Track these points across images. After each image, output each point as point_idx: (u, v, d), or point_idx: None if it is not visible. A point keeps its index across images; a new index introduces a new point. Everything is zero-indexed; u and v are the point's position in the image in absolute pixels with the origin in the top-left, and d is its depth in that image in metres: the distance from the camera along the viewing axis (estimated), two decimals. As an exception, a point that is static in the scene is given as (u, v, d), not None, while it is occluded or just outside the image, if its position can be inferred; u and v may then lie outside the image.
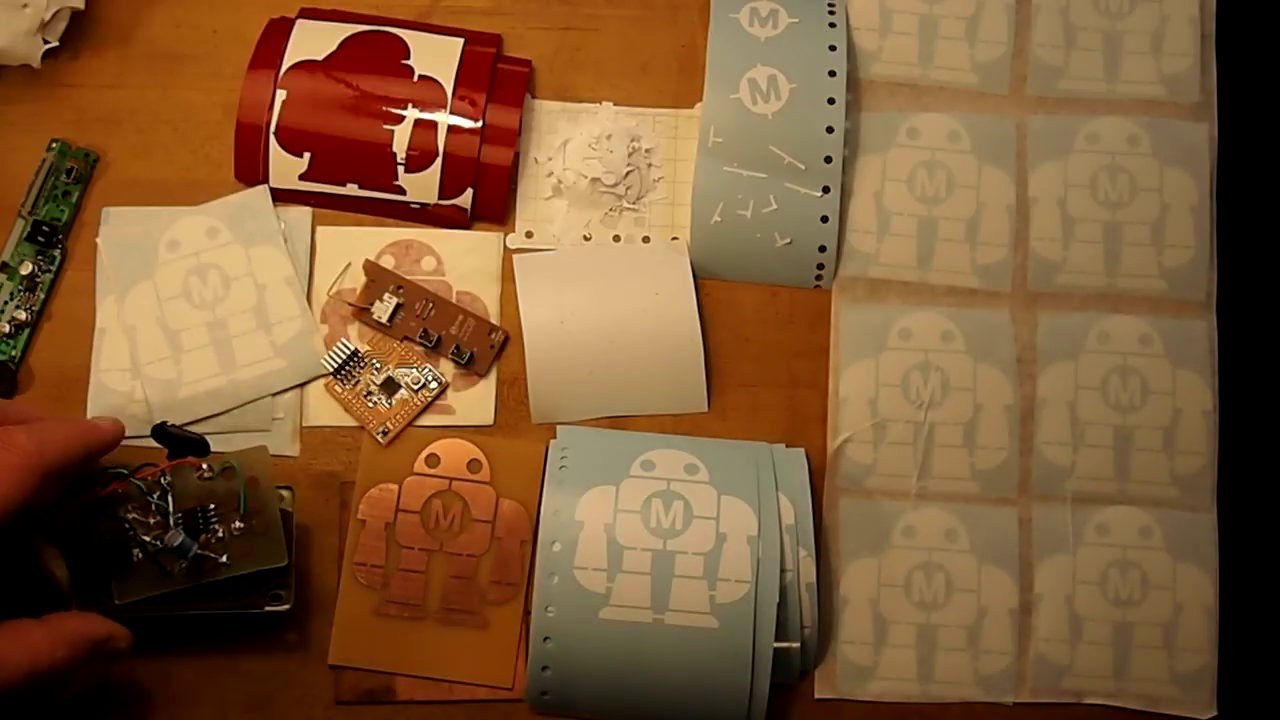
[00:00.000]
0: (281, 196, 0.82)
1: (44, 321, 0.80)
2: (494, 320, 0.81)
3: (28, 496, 0.63)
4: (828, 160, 0.81)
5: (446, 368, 0.81)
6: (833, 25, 0.83)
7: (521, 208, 0.83)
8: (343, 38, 0.82)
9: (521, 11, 0.86)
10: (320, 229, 0.82)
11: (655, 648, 0.73)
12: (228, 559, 0.71)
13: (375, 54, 0.82)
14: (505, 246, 0.83)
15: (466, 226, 0.83)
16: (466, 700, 0.77)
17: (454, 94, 0.81)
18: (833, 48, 0.83)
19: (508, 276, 0.82)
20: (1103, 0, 0.86)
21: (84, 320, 0.80)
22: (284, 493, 0.74)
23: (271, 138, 0.81)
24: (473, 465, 0.79)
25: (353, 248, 0.82)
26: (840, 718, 0.78)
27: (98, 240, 0.81)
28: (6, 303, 0.80)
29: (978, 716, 0.79)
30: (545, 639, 0.74)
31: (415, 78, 0.81)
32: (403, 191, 0.81)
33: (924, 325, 0.82)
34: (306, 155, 0.81)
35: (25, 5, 0.80)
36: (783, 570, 0.75)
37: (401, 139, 0.81)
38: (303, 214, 0.82)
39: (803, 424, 0.81)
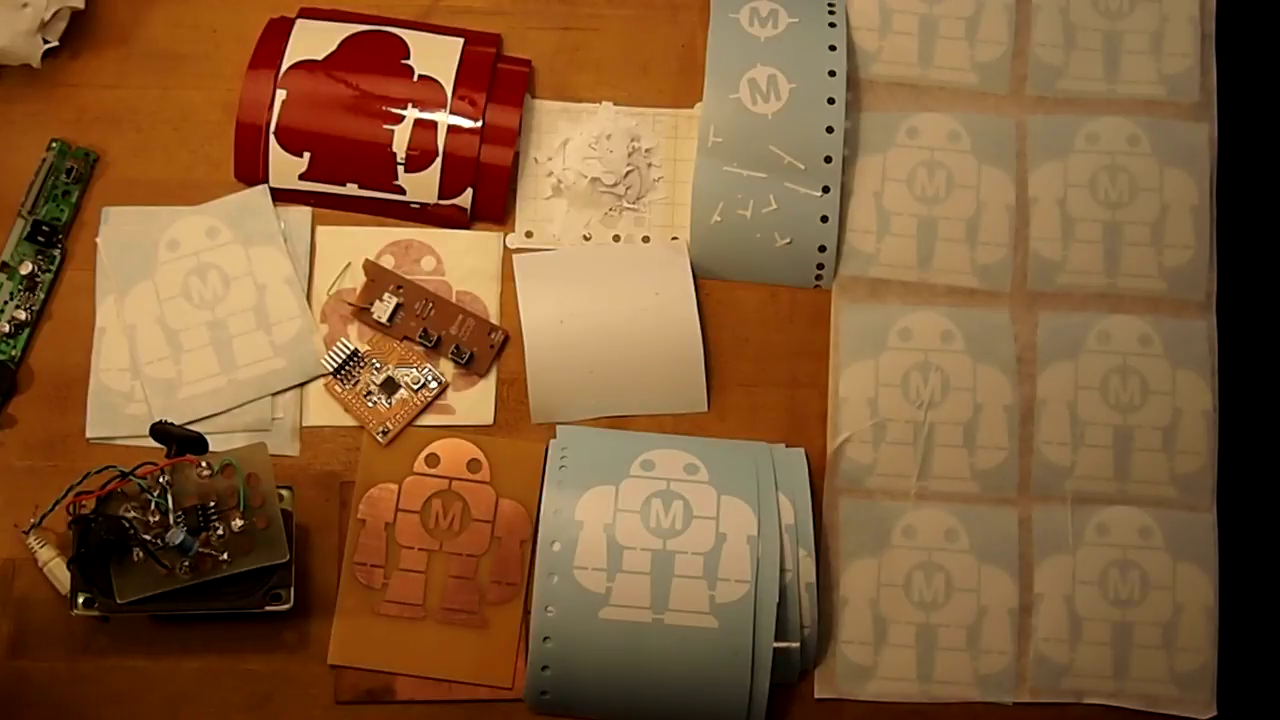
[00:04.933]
0: (281, 196, 0.82)
1: (44, 321, 0.80)
2: (494, 320, 0.81)
3: None
4: (828, 160, 0.81)
5: (446, 368, 0.81)
6: (833, 25, 0.83)
7: (521, 208, 0.83)
8: (342, 37, 0.82)
9: (521, 11, 0.86)
10: (320, 229, 0.82)
11: (655, 648, 0.73)
12: (228, 556, 0.71)
13: (375, 54, 0.82)
14: (505, 246, 0.83)
15: (466, 226, 0.83)
16: (466, 700, 0.77)
17: (454, 94, 0.81)
18: (833, 48, 0.83)
19: (508, 276, 0.82)
20: (1103, 0, 0.86)
21: (84, 320, 0.80)
22: (284, 492, 0.74)
23: (271, 137, 0.81)
24: (472, 465, 0.79)
25: (353, 248, 0.82)
26: (840, 718, 0.78)
27: (98, 240, 0.81)
28: (6, 303, 0.80)
29: (977, 716, 0.78)
30: (545, 639, 0.74)
31: (415, 78, 0.81)
32: (403, 191, 0.81)
33: (924, 325, 0.82)
34: (306, 155, 0.81)
35: (25, 5, 0.80)
36: (782, 570, 0.75)
37: (401, 139, 0.81)
38: (303, 214, 0.82)
39: (803, 424, 0.81)
